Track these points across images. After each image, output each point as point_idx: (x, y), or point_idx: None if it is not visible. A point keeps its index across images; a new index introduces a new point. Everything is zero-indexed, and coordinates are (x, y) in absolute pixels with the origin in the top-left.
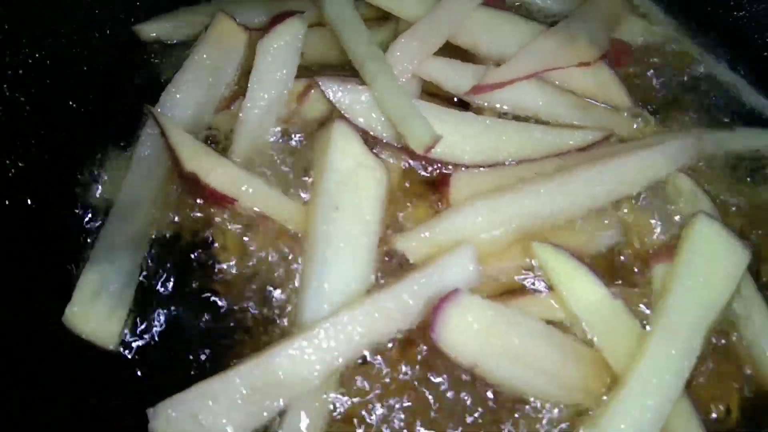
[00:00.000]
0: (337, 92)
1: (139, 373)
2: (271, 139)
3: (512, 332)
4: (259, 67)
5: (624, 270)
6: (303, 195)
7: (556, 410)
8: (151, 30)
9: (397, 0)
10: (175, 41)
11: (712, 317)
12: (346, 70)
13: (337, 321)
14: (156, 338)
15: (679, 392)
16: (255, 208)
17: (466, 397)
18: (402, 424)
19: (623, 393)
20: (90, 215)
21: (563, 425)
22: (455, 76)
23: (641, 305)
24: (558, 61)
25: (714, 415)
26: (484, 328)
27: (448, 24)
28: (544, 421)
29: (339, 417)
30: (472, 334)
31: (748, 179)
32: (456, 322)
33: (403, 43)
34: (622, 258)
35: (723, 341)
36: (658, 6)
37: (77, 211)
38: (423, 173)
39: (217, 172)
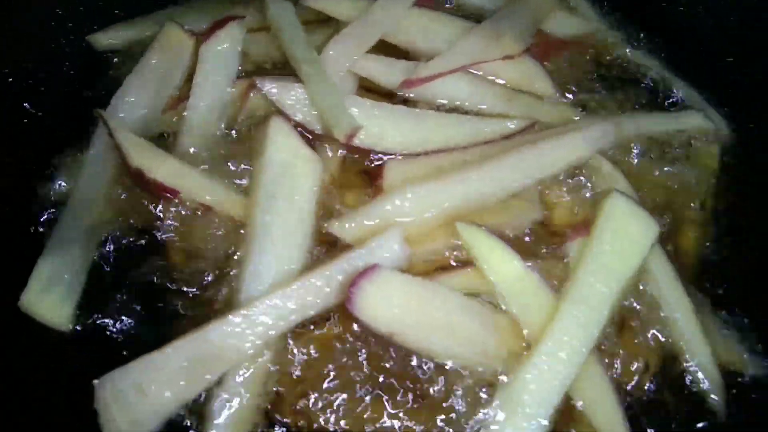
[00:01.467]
0: (273, 90)
1: (89, 351)
2: (217, 134)
3: (430, 303)
4: (201, 70)
5: (545, 245)
6: (244, 187)
7: (472, 378)
8: (105, 39)
9: (335, 3)
10: (127, 50)
11: (620, 287)
12: (288, 70)
13: (269, 299)
14: (106, 320)
15: (585, 356)
16: (198, 200)
17: (392, 365)
18: (333, 387)
19: (533, 357)
20: (47, 211)
21: (484, 390)
22: (387, 72)
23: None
24: (483, 56)
25: (631, 379)
26: (401, 299)
27: (380, 24)
28: (465, 387)
29: (273, 384)
30: (389, 305)
31: (664, 159)
32: (372, 294)
33: (337, 43)
34: (544, 234)
35: (639, 308)
36: (586, 0)
37: (35, 207)
38: (361, 164)
39: (160, 168)
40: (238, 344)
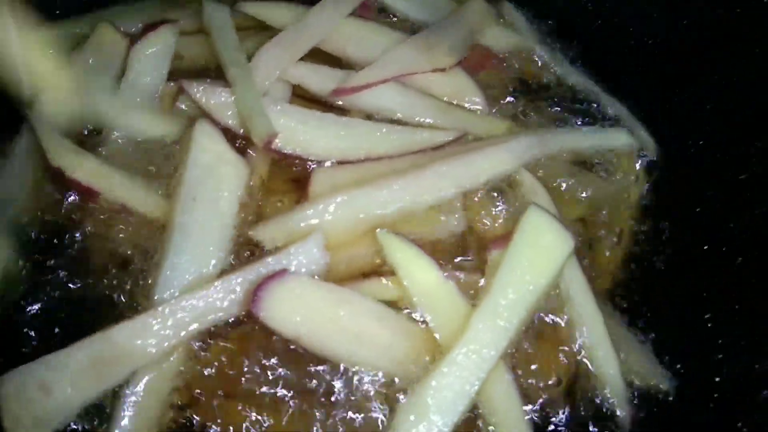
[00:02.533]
0: (200, 94)
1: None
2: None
3: (340, 309)
4: (131, 72)
5: (465, 255)
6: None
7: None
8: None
9: (269, 9)
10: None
11: (534, 298)
12: (221, 74)
13: (179, 300)
14: (20, 315)
15: (493, 364)
16: (119, 201)
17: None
18: (245, 389)
19: (442, 364)
20: None
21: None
22: (319, 80)
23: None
24: (414, 67)
25: (542, 392)
26: (309, 304)
27: (314, 33)
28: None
29: (180, 385)
30: (295, 309)
31: (590, 173)
32: (278, 298)
33: (269, 50)
34: (465, 245)
35: (555, 320)
36: (523, 15)
37: None
38: (290, 171)
39: (81, 167)
40: (144, 345)
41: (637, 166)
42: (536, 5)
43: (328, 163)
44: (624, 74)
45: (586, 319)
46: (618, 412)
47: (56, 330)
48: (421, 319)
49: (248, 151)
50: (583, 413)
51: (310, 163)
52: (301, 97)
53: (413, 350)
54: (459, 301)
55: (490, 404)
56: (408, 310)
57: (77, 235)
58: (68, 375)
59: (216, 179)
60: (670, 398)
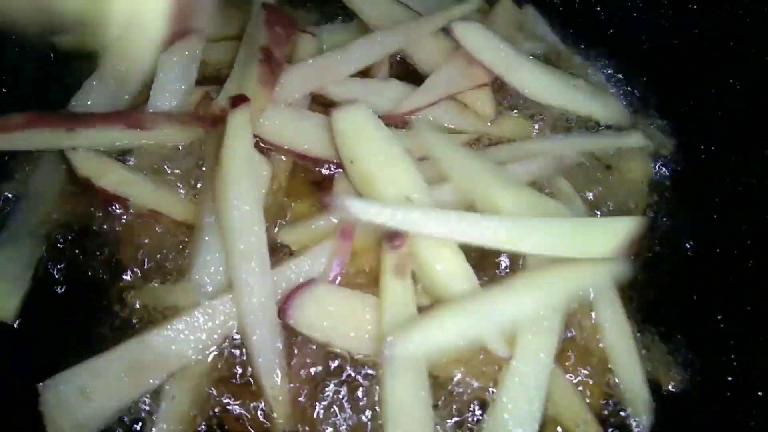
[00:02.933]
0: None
1: (34, 347)
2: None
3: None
4: (159, 78)
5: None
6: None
7: None
8: (68, 41)
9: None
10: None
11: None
12: None
13: (212, 305)
14: (52, 317)
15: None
16: (147, 206)
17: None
18: None
19: (506, 379)
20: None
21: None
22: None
23: None
24: (458, 87)
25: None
26: (335, 310)
27: (346, 66)
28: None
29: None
30: (322, 316)
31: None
32: (308, 306)
33: (297, 71)
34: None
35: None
36: (546, 24)
37: None
38: (311, 174)
39: (108, 176)
40: (179, 349)
41: (652, 167)
42: (556, 11)
43: None
44: (640, 77)
45: (614, 328)
46: (636, 416)
47: (89, 333)
48: None
49: (270, 153)
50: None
51: (329, 166)
52: (321, 102)
53: None
54: None
55: (557, 406)
56: None
57: (107, 239)
58: (107, 380)
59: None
60: (684, 397)
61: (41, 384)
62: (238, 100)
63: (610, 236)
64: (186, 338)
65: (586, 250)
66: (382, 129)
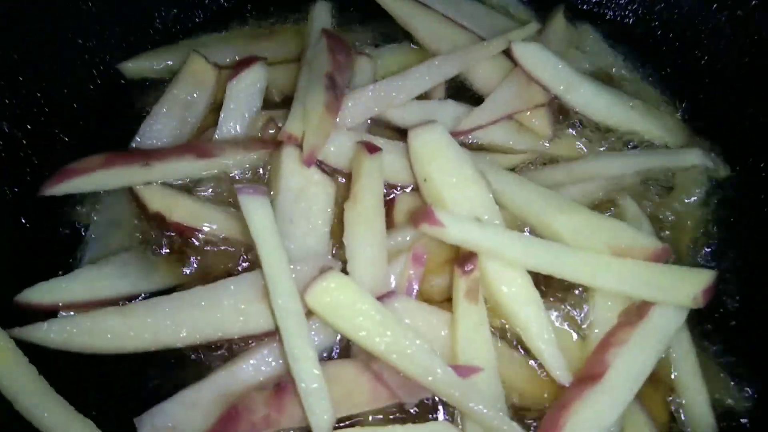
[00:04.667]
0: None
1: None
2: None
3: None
4: (227, 106)
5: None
6: None
7: None
8: (135, 67)
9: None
10: (155, 78)
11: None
12: None
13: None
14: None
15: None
16: (220, 235)
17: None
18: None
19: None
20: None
21: None
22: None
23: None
24: (516, 107)
25: None
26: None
27: (408, 90)
28: None
29: None
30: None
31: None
32: None
33: (361, 95)
34: None
35: None
36: (603, 41)
37: (62, 228)
38: None
39: (179, 209)
40: (266, 380)
41: (706, 185)
42: (611, 28)
43: (408, 189)
44: (696, 94)
45: (681, 354)
46: None
47: (177, 365)
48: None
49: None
50: None
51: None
52: (380, 126)
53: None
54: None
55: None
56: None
57: (184, 266)
58: (197, 412)
59: (306, 199)
60: (744, 418)
61: (137, 419)
62: (372, 149)
63: (688, 286)
64: (271, 368)
65: (662, 295)
66: (456, 149)
